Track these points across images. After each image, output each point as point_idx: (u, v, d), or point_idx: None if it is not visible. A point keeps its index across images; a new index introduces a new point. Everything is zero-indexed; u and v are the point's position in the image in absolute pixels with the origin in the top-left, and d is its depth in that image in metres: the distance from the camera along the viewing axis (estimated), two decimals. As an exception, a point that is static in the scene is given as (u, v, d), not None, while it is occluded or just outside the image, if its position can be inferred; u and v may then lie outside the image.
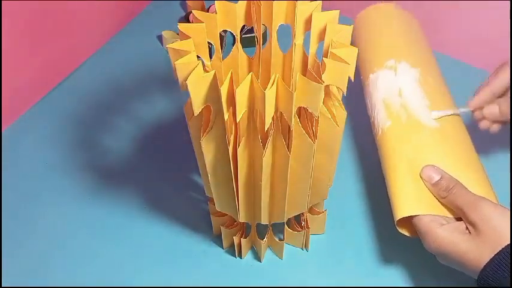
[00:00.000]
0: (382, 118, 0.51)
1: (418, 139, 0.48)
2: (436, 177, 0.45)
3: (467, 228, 0.42)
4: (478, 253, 0.40)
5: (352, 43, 0.59)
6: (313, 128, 0.40)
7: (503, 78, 0.49)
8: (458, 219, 0.44)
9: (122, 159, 0.62)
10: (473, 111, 0.51)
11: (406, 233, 0.46)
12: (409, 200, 0.45)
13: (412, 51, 0.56)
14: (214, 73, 0.34)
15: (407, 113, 0.49)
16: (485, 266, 0.39)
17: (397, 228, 0.46)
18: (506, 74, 0.49)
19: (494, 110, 0.49)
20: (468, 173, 0.46)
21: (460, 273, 0.44)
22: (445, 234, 0.42)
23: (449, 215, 0.44)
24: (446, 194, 0.44)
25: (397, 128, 0.49)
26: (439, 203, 0.45)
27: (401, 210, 0.44)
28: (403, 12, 0.61)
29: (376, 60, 0.55)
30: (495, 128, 0.51)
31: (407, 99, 0.50)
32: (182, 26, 0.38)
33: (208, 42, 0.41)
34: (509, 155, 0.59)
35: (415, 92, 0.51)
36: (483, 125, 0.51)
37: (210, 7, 0.73)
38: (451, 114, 0.50)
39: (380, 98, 0.52)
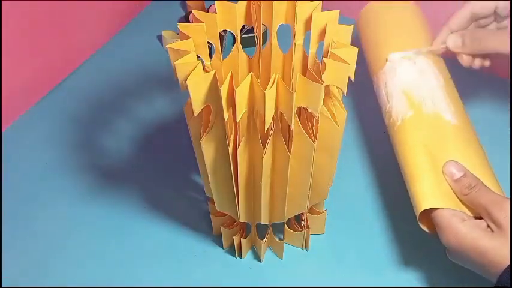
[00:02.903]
0: (402, 107, 0.50)
1: (441, 133, 0.48)
2: (459, 174, 0.44)
3: (488, 226, 0.41)
4: (501, 252, 0.39)
5: (364, 28, 0.59)
6: (313, 128, 0.40)
7: (460, 15, 0.51)
8: (477, 218, 0.43)
9: (122, 159, 0.62)
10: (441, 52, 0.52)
11: (425, 228, 0.45)
12: (432, 192, 0.44)
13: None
14: (214, 73, 0.34)
15: (430, 106, 0.49)
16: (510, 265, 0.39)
17: (418, 220, 0.45)
18: (463, 12, 0.51)
19: (457, 40, 0.50)
20: (485, 174, 0.46)
21: (461, 274, 0.44)
22: (466, 230, 0.41)
23: (469, 213, 0.43)
24: (469, 191, 0.43)
25: (420, 119, 0.49)
26: (459, 199, 0.44)
27: (424, 202, 0.44)
28: (417, 7, 0.61)
29: (394, 49, 0.55)
30: (477, 63, 0.51)
31: (430, 93, 0.50)
32: (182, 26, 0.38)
33: (208, 42, 0.41)
34: (509, 154, 0.59)
35: (437, 87, 0.51)
36: (463, 62, 0.51)
37: (210, 7, 0.73)
38: (412, 55, 0.51)
39: (399, 86, 0.51)
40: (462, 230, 0.41)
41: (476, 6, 0.51)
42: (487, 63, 0.52)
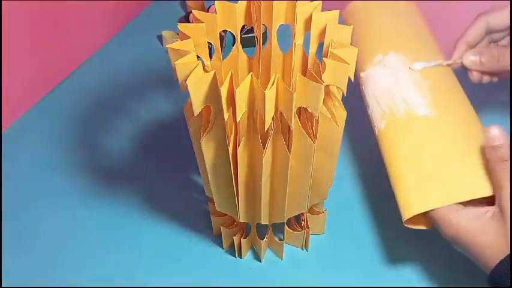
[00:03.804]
0: (377, 118, 0.50)
1: (416, 132, 0.47)
2: (498, 142, 0.41)
3: (488, 213, 0.40)
4: (496, 243, 0.38)
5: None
6: (313, 128, 0.40)
7: (476, 27, 0.50)
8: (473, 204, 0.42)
9: (122, 159, 0.62)
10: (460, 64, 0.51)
11: (414, 226, 0.45)
12: (419, 197, 0.44)
13: (399, 39, 0.54)
14: (214, 73, 0.34)
15: (401, 107, 0.48)
16: (502, 260, 0.38)
17: (405, 224, 0.45)
18: (478, 24, 0.50)
19: (474, 59, 0.49)
20: (470, 156, 0.44)
21: (461, 276, 0.44)
22: (459, 219, 0.40)
23: (459, 200, 0.42)
24: (498, 165, 0.41)
25: (393, 126, 0.48)
26: (447, 192, 0.43)
27: (411, 208, 0.43)
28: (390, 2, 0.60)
29: (364, 59, 0.54)
30: (486, 79, 0.51)
31: (398, 93, 0.49)
32: (182, 26, 0.38)
33: (208, 42, 0.41)
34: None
35: (408, 84, 0.50)
36: (473, 78, 0.50)
37: (210, 7, 0.73)
38: (435, 66, 0.50)
39: (372, 96, 0.51)
40: (454, 220, 0.40)
41: (491, 17, 0.50)
42: (495, 79, 0.51)
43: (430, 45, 0.55)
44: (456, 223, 0.41)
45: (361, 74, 0.54)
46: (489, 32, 0.50)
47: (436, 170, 0.44)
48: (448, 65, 0.51)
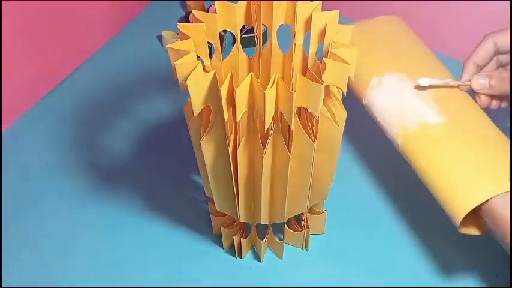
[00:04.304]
0: (393, 138, 0.49)
1: (434, 143, 0.46)
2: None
3: None
4: None
5: None
6: (313, 128, 0.40)
7: (484, 48, 0.49)
8: None
9: (122, 159, 0.62)
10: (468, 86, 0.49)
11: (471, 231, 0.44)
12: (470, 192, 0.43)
13: (393, 59, 0.54)
14: (214, 73, 0.34)
15: (413, 120, 0.48)
16: None
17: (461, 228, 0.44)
18: (486, 45, 0.49)
19: (484, 82, 0.48)
20: (490, 148, 0.45)
21: (459, 273, 0.44)
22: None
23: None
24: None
25: (410, 141, 0.48)
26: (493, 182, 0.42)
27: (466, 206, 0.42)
28: (378, 23, 0.58)
29: (361, 85, 0.53)
30: (494, 104, 0.49)
31: (405, 108, 0.49)
32: (182, 26, 0.38)
33: (208, 42, 0.41)
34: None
35: (409, 97, 0.49)
36: (482, 102, 0.49)
37: (210, 7, 0.73)
38: (441, 85, 0.49)
39: (382, 119, 0.51)
40: (494, 197, 0.40)
41: (499, 37, 0.48)
42: (504, 104, 0.50)
43: (427, 60, 0.54)
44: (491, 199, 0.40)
45: (363, 102, 0.53)
46: (497, 52, 0.49)
47: (475, 164, 0.44)
48: (456, 86, 0.49)
